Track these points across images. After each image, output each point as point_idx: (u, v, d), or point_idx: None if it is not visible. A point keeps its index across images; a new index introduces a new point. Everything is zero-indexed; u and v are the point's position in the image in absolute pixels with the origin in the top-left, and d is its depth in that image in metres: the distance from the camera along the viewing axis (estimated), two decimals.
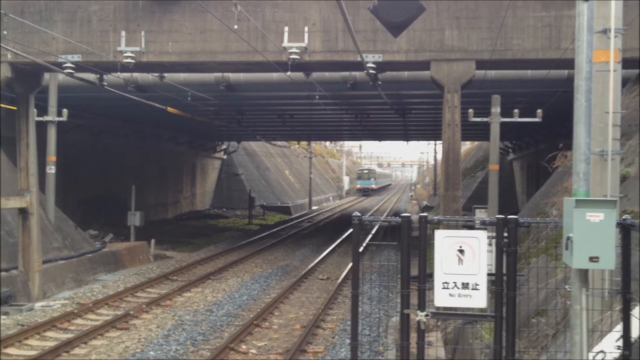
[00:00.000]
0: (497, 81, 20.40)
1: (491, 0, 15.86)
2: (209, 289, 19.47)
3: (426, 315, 5.97)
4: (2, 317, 15.59)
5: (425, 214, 6.27)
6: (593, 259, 5.52)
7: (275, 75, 20.61)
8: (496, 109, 18.92)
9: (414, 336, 6.12)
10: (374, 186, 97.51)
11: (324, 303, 16.89)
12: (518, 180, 46.84)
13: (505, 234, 5.86)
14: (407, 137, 48.02)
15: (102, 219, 32.02)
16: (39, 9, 16.88)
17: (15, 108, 18.58)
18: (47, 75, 20.61)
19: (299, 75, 18.30)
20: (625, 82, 15.14)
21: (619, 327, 6.01)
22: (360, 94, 23.83)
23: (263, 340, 13.87)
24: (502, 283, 5.88)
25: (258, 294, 18.91)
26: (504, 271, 5.89)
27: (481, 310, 6.30)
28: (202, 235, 35.69)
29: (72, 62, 16.53)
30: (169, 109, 25.55)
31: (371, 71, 16.29)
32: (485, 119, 19.14)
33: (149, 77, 20.58)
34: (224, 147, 54.62)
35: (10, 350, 12.82)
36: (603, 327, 6.66)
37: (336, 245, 30.19)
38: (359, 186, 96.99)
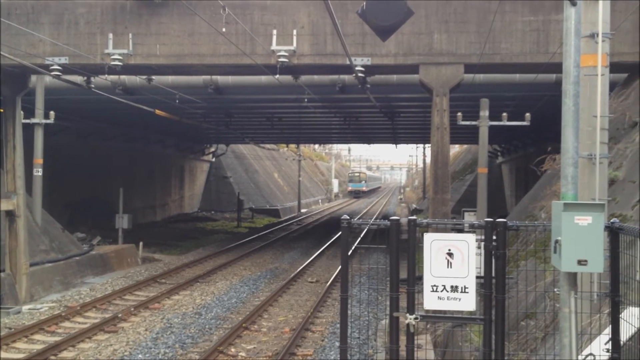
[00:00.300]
0: (486, 85, 20.46)
1: (479, 4, 15.93)
2: (198, 292, 19.40)
3: (415, 318, 5.97)
4: None
5: (414, 217, 6.27)
6: (581, 262, 5.54)
7: (263, 78, 20.62)
8: (485, 113, 18.97)
9: (403, 339, 6.12)
10: (364, 188, 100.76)
11: (313, 306, 16.87)
12: (507, 184, 47.01)
13: (494, 237, 5.87)
14: (396, 140, 48.11)
15: (89, 221, 31.85)
16: (26, 11, 16.79)
17: (1, 110, 18.46)
18: (34, 78, 20.50)
19: (287, 78, 18.30)
20: (613, 86, 15.25)
21: (608, 330, 6.03)
22: (349, 97, 23.86)
23: (252, 343, 13.83)
24: (491, 286, 5.89)
25: (247, 297, 18.86)
26: (493, 274, 5.90)
27: (470, 313, 6.31)
28: (191, 238, 35.58)
29: (59, 65, 16.46)
30: (157, 111, 25.45)
31: (360, 74, 16.32)
32: (474, 123, 19.19)
33: (137, 79, 20.52)
34: (212, 149, 54.49)
35: None
36: (592, 330, 6.69)
37: (325, 248, 30.14)
38: (350, 188, 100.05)
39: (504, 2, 15.32)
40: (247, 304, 17.96)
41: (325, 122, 35.43)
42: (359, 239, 30.80)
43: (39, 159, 22.07)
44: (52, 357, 12.54)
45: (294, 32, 16.09)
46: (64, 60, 16.51)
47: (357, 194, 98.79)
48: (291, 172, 78.15)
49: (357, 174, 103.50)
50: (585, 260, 5.53)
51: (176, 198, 49.17)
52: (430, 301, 5.98)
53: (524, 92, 22.02)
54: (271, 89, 22.01)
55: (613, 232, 5.87)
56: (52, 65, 16.45)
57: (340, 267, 6.63)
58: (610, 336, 5.93)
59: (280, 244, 33.12)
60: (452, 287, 5.93)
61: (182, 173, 50.23)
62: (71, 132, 30.76)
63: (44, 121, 22.24)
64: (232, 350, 13.18)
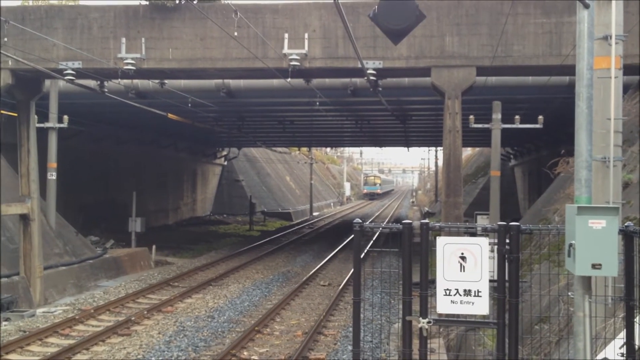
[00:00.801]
0: (498, 87, 20.40)
1: (492, 6, 15.89)
2: (210, 295, 19.44)
3: (428, 322, 5.96)
4: (4, 323, 15.59)
5: (426, 220, 6.26)
6: (596, 266, 5.51)
7: (275, 82, 20.65)
8: (497, 115, 18.94)
9: (416, 343, 6.10)
10: (379, 191, 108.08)
11: (325, 309, 16.86)
12: (520, 187, 46.81)
13: (507, 241, 5.84)
14: (407, 143, 48.02)
15: (102, 225, 32.00)
16: (40, 16, 16.92)
17: (16, 114, 18.60)
18: (47, 82, 20.64)
19: (299, 81, 18.32)
20: (626, 88, 15.17)
21: (623, 334, 5.99)
22: (361, 100, 23.86)
23: (264, 346, 13.84)
24: (505, 290, 5.86)
25: (259, 300, 18.88)
26: (507, 278, 5.87)
27: (483, 317, 6.28)
28: (203, 242, 35.67)
29: (73, 69, 16.56)
30: (170, 115, 25.57)
31: (371, 77, 16.30)
32: (486, 125, 19.16)
33: (150, 83, 20.61)
34: (224, 153, 54.64)
35: (12, 356, 12.81)
36: (606, 334, 6.64)
37: (337, 252, 30.14)
38: (365, 191, 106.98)
39: (516, 4, 15.27)
40: (260, 307, 17.97)
41: (337, 125, 35.44)
42: (371, 242, 30.72)
43: (52, 163, 22.23)
44: None
45: (306, 35, 16.11)
46: (77, 64, 16.62)
47: (372, 196, 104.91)
48: (303, 176, 78.19)
49: (372, 178, 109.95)
50: (600, 264, 5.50)
51: (188, 201, 49.32)
52: (443, 305, 5.96)
53: (537, 95, 21.93)
54: (283, 92, 22.05)
55: (627, 236, 5.83)
56: (65, 69, 16.55)
57: (352, 270, 6.63)
58: (625, 340, 5.89)
59: (293, 247, 33.15)
60: (465, 290, 5.91)
61: (195, 176, 50.37)
62: (84, 136, 30.92)
63: (57, 125, 22.40)
64: (245, 353, 13.19)
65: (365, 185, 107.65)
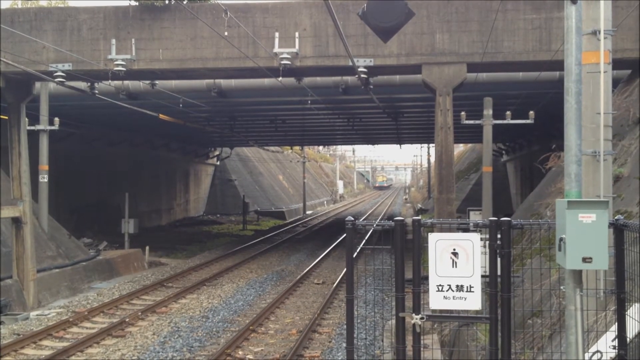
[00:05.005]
0: (489, 83, 20.44)
1: (481, 3, 15.93)
2: (205, 295, 19.44)
3: (421, 318, 5.98)
4: None
5: (418, 217, 6.28)
6: (586, 260, 5.53)
7: (266, 81, 20.65)
8: (488, 112, 18.99)
9: (410, 339, 6.12)
10: (385, 185, 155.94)
11: (319, 307, 16.88)
12: (512, 182, 46.91)
13: (499, 236, 5.87)
14: (400, 140, 48.07)
15: (95, 227, 31.93)
16: (29, 18, 16.87)
17: (6, 117, 18.54)
18: (38, 85, 20.56)
19: (290, 80, 18.31)
20: (616, 82, 15.22)
21: (614, 327, 6.02)
22: (352, 98, 23.88)
23: (259, 345, 13.85)
24: (497, 285, 5.89)
25: (254, 300, 18.89)
26: (499, 273, 5.90)
27: (476, 312, 6.31)
28: (197, 242, 35.62)
29: (63, 71, 16.51)
30: (161, 116, 25.52)
31: (363, 75, 16.33)
32: (477, 122, 19.20)
33: (140, 84, 20.57)
34: (216, 153, 54.57)
35: None
36: (598, 327, 6.68)
37: (331, 250, 30.17)
38: (377, 185, 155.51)
39: (506, 0, 15.32)
40: (254, 306, 17.98)
41: (329, 124, 35.44)
42: (365, 240, 30.77)
43: (44, 166, 22.15)
44: None
45: (296, 34, 16.12)
46: (67, 66, 16.57)
47: (381, 188, 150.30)
48: (296, 174, 78.20)
49: (381, 177, 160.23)
50: (590, 258, 5.52)
51: (181, 202, 49.23)
52: (436, 301, 5.98)
53: (528, 90, 21.99)
54: (274, 91, 22.03)
55: (617, 229, 5.86)
56: (55, 71, 16.51)
57: (346, 268, 6.64)
58: (616, 333, 5.93)
59: (286, 246, 33.15)
60: (457, 286, 5.94)
61: (187, 177, 50.29)
62: (76, 138, 30.85)
63: (48, 128, 22.32)
64: (240, 352, 13.20)
65: (377, 181, 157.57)
